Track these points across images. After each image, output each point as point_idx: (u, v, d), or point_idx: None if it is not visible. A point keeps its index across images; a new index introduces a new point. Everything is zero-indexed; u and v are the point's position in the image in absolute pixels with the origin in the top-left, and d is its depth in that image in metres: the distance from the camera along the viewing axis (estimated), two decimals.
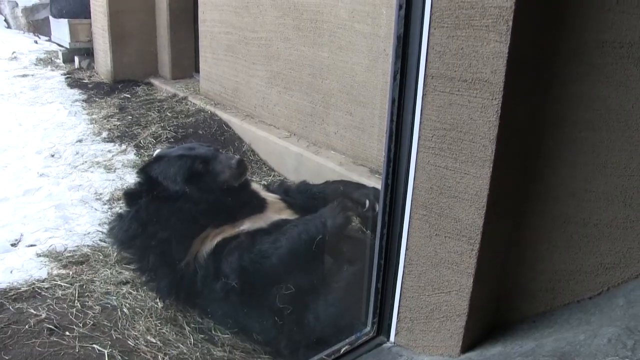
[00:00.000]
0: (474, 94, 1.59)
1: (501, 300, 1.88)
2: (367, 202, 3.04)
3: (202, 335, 2.57)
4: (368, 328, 1.97)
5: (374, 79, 3.58)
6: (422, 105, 1.71)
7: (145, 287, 2.91)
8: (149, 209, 2.87)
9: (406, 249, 1.83)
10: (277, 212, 3.03)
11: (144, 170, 3.06)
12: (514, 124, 1.63)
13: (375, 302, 1.94)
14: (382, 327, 1.95)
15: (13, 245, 3.35)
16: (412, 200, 1.79)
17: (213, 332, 2.60)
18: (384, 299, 1.93)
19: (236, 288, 2.56)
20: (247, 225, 2.84)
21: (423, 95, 1.70)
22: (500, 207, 1.70)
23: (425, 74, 1.68)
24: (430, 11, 1.62)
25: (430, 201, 1.75)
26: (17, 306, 2.62)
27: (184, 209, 2.87)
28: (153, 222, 2.83)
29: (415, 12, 1.66)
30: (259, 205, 3.04)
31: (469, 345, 1.81)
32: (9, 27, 11.30)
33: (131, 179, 4.33)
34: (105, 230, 3.45)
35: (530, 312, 1.86)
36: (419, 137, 1.73)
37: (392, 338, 1.94)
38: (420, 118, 1.71)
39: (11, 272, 2.99)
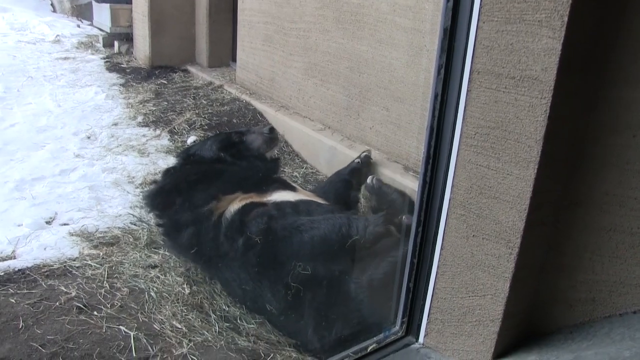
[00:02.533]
0: (521, 92, 1.53)
1: (537, 308, 1.81)
2: (370, 178, 3.36)
3: (228, 324, 2.56)
4: (397, 327, 1.93)
5: (413, 75, 3.51)
6: (466, 101, 1.65)
7: (165, 241, 3.01)
8: (183, 169, 3.06)
9: (441, 249, 1.78)
10: (306, 195, 3.12)
11: (184, 150, 3.25)
12: (562, 125, 1.56)
13: (405, 301, 1.89)
14: (412, 327, 1.91)
15: (48, 223, 3.41)
16: (450, 199, 1.73)
17: (239, 321, 2.59)
18: (415, 298, 1.88)
19: (258, 247, 2.57)
20: (275, 197, 2.91)
21: (468, 91, 1.64)
22: (543, 211, 1.63)
23: (471, 69, 1.62)
24: (480, 4, 1.56)
25: (469, 201, 1.69)
26: (49, 283, 2.67)
27: (216, 167, 3.05)
28: (184, 177, 2.99)
29: (464, 5, 1.60)
30: (289, 186, 3.17)
31: (501, 352, 1.74)
32: (54, 11, 11.53)
33: (164, 163, 4.37)
34: (141, 200, 3.57)
35: (567, 322, 1.79)
36: (461, 134, 1.67)
37: (421, 339, 1.89)
38: (464, 115, 1.65)
39: (45, 249, 3.04)
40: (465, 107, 1.65)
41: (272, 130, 3.39)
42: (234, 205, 2.81)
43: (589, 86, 1.57)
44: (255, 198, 2.88)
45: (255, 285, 2.59)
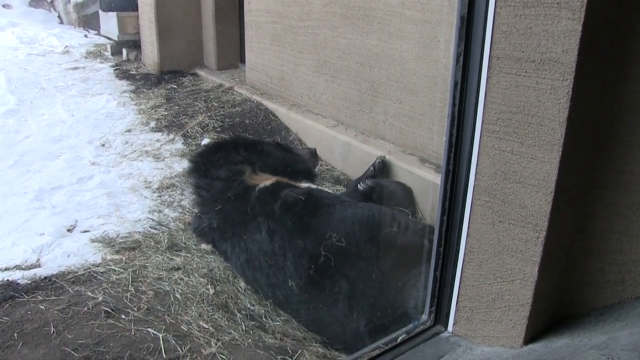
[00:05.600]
0: (542, 75, 1.52)
1: (566, 291, 1.81)
2: (359, 184, 3.49)
3: (254, 322, 2.58)
4: (425, 317, 1.93)
5: (425, 67, 3.50)
6: (486, 87, 1.64)
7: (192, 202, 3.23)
8: (234, 137, 3.40)
9: (467, 236, 1.78)
10: None
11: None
12: (585, 106, 1.55)
13: (433, 290, 1.89)
14: (440, 316, 1.91)
15: (69, 230, 3.44)
16: (474, 186, 1.73)
17: (264, 319, 2.61)
18: (443, 287, 1.88)
19: (297, 208, 2.59)
20: (307, 185, 3.04)
21: (487, 77, 1.63)
22: (569, 193, 1.63)
23: (490, 56, 1.62)
24: None
25: (494, 187, 1.69)
26: (75, 289, 2.70)
27: (265, 146, 3.31)
28: (232, 142, 3.28)
29: None
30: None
31: (532, 336, 1.74)
32: (61, 22, 11.61)
33: (179, 167, 4.39)
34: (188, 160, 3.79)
35: (597, 304, 1.78)
36: (483, 121, 1.67)
37: (450, 328, 1.90)
38: (485, 101, 1.65)
39: (68, 256, 3.08)
40: (485, 94, 1.65)
41: (316, 150, 3.93)
42: (269, 181, 2.90)
43: (612, 66, 1.57)
44: (289, 182, 2.98)
45: (281, 252, 2.60)
